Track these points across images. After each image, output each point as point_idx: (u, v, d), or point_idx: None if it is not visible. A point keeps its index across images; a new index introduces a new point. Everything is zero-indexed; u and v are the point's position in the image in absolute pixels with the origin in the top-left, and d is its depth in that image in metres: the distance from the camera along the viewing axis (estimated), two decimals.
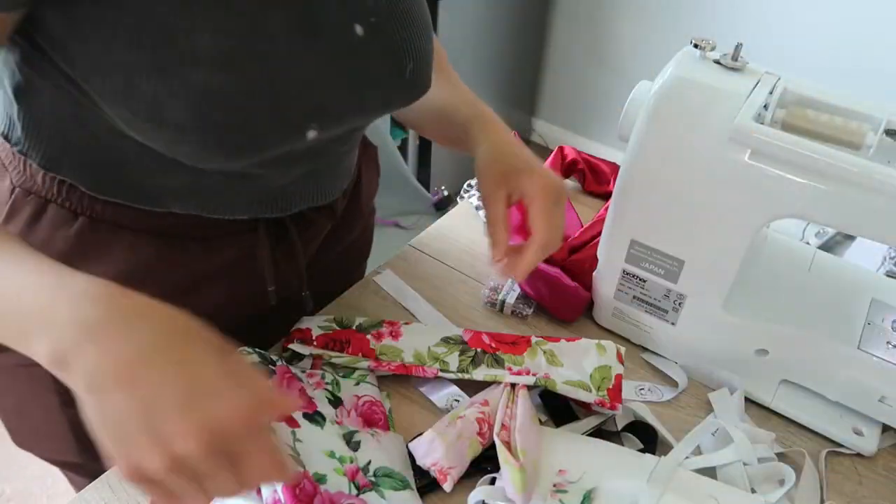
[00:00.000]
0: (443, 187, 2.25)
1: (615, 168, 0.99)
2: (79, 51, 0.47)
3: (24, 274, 0.41)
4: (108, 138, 0.54)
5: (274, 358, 0.64)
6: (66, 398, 0.66)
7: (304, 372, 0.66)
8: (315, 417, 0.60)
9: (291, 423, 0.58)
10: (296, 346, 0.68)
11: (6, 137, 0.58)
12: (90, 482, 0.73)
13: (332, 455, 0.58)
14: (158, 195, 0.59)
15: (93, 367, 0.38)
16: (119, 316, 0.39)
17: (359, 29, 0.54)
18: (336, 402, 0.64)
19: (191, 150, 0.50)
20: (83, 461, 0.71)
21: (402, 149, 2.16)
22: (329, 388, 0.65)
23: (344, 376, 0.67)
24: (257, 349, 0.63)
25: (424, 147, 2.21)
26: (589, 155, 1.01)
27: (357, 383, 0.67)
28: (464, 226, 0.91)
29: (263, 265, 0.67)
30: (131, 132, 0.50)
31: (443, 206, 2.18)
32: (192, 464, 0.37)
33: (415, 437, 0.62)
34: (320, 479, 0.55)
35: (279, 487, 0.52)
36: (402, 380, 0.70)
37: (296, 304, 0.73)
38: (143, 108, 0.47)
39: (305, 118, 0.53)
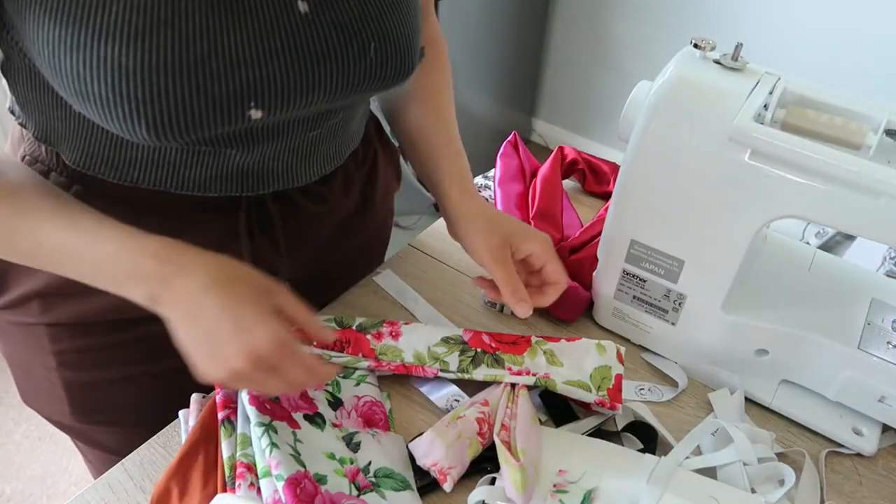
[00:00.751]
0: None
1: (615, 168, 0.99)
2: (19, 27, 0.50)
3: (108, 240, 0.53)
4: (71, 109, 0.56)
5: None
6: (62, 359, 0.67)
7: None
8: (315, 419, 0.60)
9: (293, 424, 0.58)
10: None
11: (12, 111, 0.62)
12: (86, 446, 0.74)
13: (332, 457, 0.58)
14: (125, 167, 0.60)
15: (172, 306, 0.52)
16: (184, 268, 0.52)
17: (302, 6, 0.53)
18: (336, 402, 0.64)
19: (120, 126, 0.51)
20: (75, 424, 0.73)
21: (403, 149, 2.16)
22: (329, 388, 0.65)
23: (344, 377, 0.67)
24: None
25: None
26: (589, 155, 1.01)
27: (357, 384, 0.67)
28: None
29: (242, 245, 0.67)
30: (70, 100, 0.52)
31: None
32: (245, 375, 0.51)
33: (415, 438, 0.62)
34: (321, 479, 0.55)
35: (280, 487, 0.53)
36: (402, 380, 0.70)
37: (294, 285, 0.73)
38: (68, 82, 0.49)
39: (238, 96, 0.52)
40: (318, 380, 0.56)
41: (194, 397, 0.63)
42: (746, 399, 0.70)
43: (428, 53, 0.69)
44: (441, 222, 0.92)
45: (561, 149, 1.01)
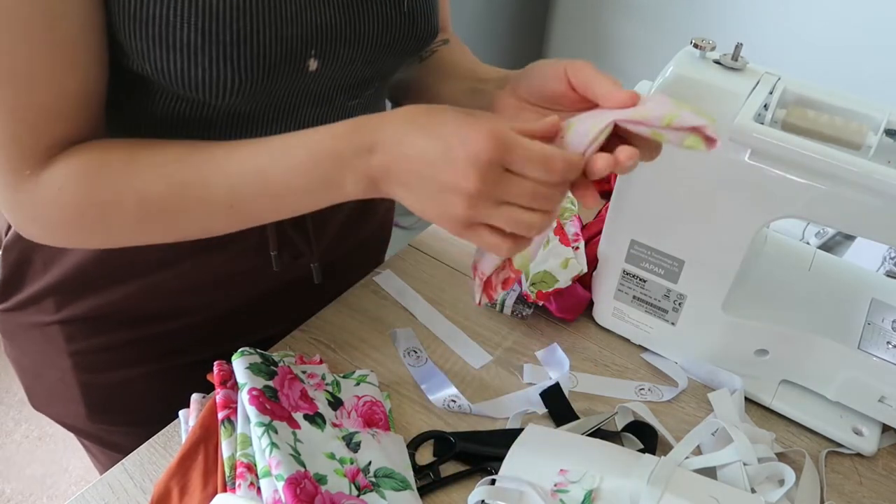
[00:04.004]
0: None
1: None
2: None
3: (299, 142, 0.50)
4: (125, 102, 0.56)
5: (276, 358, 0.64)
6: (77, 360, 0.67)
7: (305, 373, 0.66)
8: (315, 419, 0.60)
9: (293, 424, 0.58)
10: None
11: None
12: (98, 448, 0.74)
13: (332, 457, 0.58)
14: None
15: (384, 167, 0.48)
16: (379, 124, 0.48)
17: None
18: (336, 402, 0.64)
19: (203, 75, 0.51)
20: (90, 427, 0.73)
21: None
22: (329, 388, 0.65)
23: (344, 376, 0.67)
24: (258, 350, 0.63)
25: None
26: None
27: (357, 383, 0.67)
28: None
29: (268, 226, 0.67)
30: (147, 65, 0.51)
31: None
32: (482, 205, 0.45)
33: (415, 437, 0.62)
34: (321, 479, 0.55)
35: (280, 487, 0.53)
36: (402, 380, 0.70)
37: (305, 280, 0.73)
38: (156, 31, 0.49)
39: (304, 42, 0.54)
40: (561, 175, 0.46)
41: (194, 397, 0.63)
42: (746, 399, 0.70)
43: (453, 39, 0.72)
44: None
45: None
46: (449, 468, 0.62)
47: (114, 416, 0.72)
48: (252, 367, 0.61)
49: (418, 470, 0.61)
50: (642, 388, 0.72)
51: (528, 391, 0.70)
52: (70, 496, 0.60)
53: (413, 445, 0.64)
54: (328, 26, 0.55)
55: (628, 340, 0.77)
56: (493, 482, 0.60)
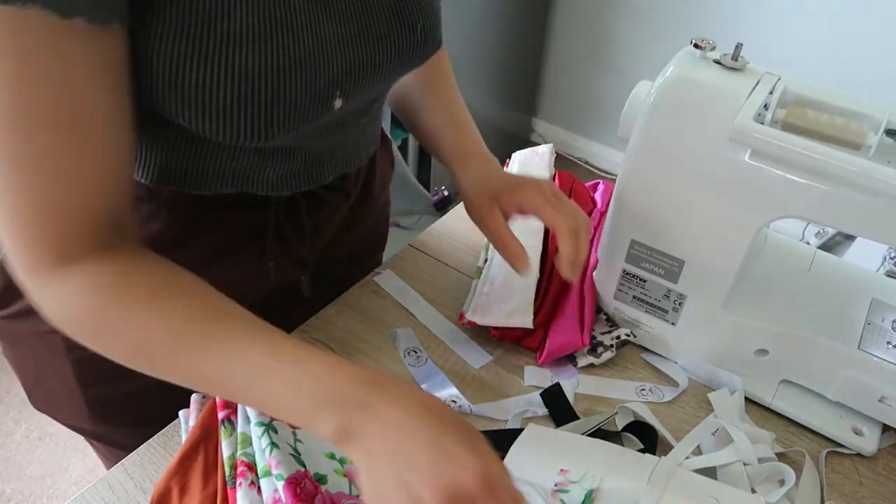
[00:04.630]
0: (443, 187, 2.25)
1: (595, 187, 0.95)
2: (133, 47, 0.48)
3: (308, 362, 0.47)
4: (148, 127, 0.56)
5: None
6: (79, 367, 0.67)
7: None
8: None
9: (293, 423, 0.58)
10: None
11: None
12: (101, 445, 0.74)
13: (332, 457, 0.58)
14: (206, 178, 0.61)
15: (370, 436, 0.45)
16: (390, 393, 0.46)
17: None
18: None
19: (233, 133, 0.51)
20: (93, 428, 0.73)
21: (402, 149, 2.16)
22: None
23: None
24: None
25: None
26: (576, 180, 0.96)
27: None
28: (464, 226, 0.91)
29: (269, 239, 0.67)
30: (180, 120, 0.51)
31: (443, 206, 2.17)
32: None
33: None
34: (321, 479, 0.55)
35: (280, 486, 0.53)
36: (401, 378, 0.70)
37: (297, 289, 0.74)
38: (190, 95, 0.49)
39: (330, 85, 0.54)
40: None
41: (194, 397, 0.63)
42: (746, 399, 0.70)
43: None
44: (441, 222, 0.92)
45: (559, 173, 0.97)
46: None
47: (117, 419, 0.72)
48: None
49: None
50: (643, 389, 0.72)
51: (528, 392, 0.70)
52: (70, 496, 0.60)
53: None
54: (352, 67, 0.56)
55: (629, 340, 0.77)
56: None
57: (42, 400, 0.74)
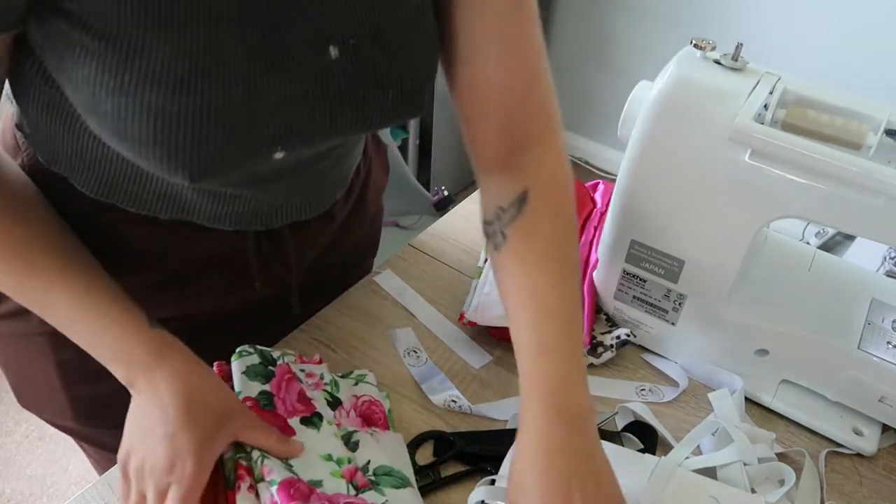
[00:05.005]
0: (443, 187, 2.24)
1: (595, 186, 0.95)
2: (54, 64, 0.49)
3: (114, 321, 0.56)
4: (92, 142, 0.56)
5: (276, 356, 0.63)
6: (64, 369, 0.67)
7: (304, 372, 0.65)
8: (312, 420, 0.60)
9: (288, 431, 0.58)
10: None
11: (19, 127, 0.61)
12: (89, 447, 0.75)
13: (329, 458, 0.57)
14: (146, 199, 0.60)
15: (141, 393, 0.56)
16: (168, 369, 0.55)
17: (333, 51, 0.52)
18: (335, 402, 0.64)
19: (154, 167, 0.50)
20: (78, 427, 0.74)
21: (402, 149, 2.16)
22: (328, 388, 0.65)
23: (342, 376, 0.67)
24: (258, 346, 0.63)
25: (424, 147, 2.21)
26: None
27: (356, 383, 0.67)
28: (464, 226, 0.91)
29: (249, 256, 0.67)
30: (101, 138, 0.51)
31: (443, 206, 2.17)
32: (135, 475, 0.55)
33: (415, 437, 0.62)
34: (316, 483, 0.55)
35: (273, 490, 0.52)
36: (402, 380, 0.70)
37: (283, 306, 0.73)
38: (107, 122, 0.48)
39: (270, 141, 0.52)
40: None
41: None
42: (746, 399, 0.70)
43: (534, 200, 0.57)
44: (441, 222, 0.92)
45: None
46: (449, 468, 0.62)
47: (101, 420, 0.72)
48: (249, 372, 0.60)
49: (418, 470, 0.61)
50: (643, 389, 0.72)
51: None
52: (70, 496, 0.60)
53: (413, 445, 0.64)
54: (299, 125, 0.53)
55: (629, 340, 0.77)
56: (493, 482, 0.59)
57: (28, 399, 0.74)
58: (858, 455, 0.67)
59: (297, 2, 0.50)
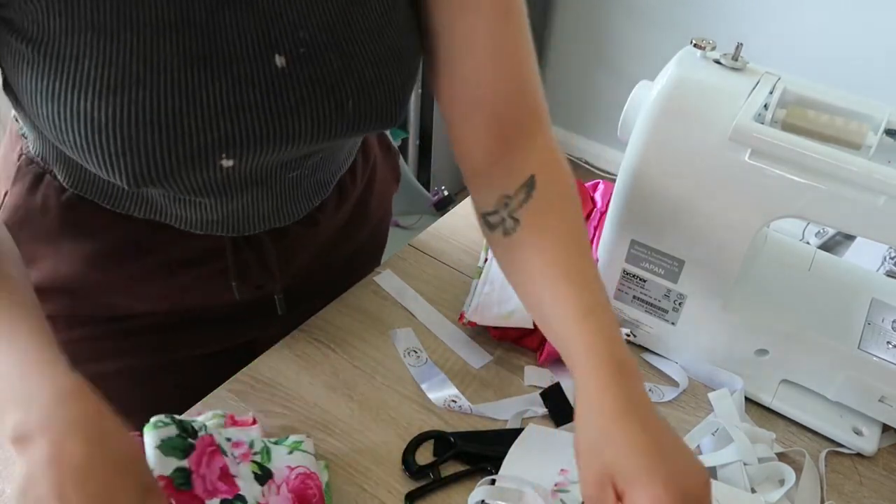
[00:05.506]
0: (443, 187, 2.25)
1: (595, 186, 0.95)
2: (8, 71, 0.50)
3: (14, 351, 0.45)
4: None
5: (197, 426, 0.54)
6: None
7: (230, 441, 0.57)
8: (234, 503, 0.53)
9: None
10: None
11: (16, 119, 0.64)
12: None
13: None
14: (116, 198, 0.61)
15: (38, 461, 0.41)
16: (76, 428, 0.42)
17: (279, 60, 0.52)
18: (265, 475, 0.57)
19: (96, 170, 0.51)
20: None
21: (402, 149, 2.16)
22: (258, 457, 0.58)
23: (276, 442, 0.60)
24: (177, 417, 0.53)
25: (424, 147, 2.21)
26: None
27: (290, 451, 0.60)
28: (464, 226, 0.91)
29: (228, 262, 0.67)
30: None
31: (443, 206, 2.17)
32: None
33: (415, 437, 0.62)
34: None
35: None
36: (402, 380, 0.70)
37: (269, 305, 0.72)
38: (47, 127, 0.49)
39: (212, 148, 0.51)
40: None
41: None
42: (746, 399, 0.70)
43: (542, 184, 0.57)
44: (441, 222, 0.92)
45: None
46: (449, 468, 0.62)
47: None
48: (164, 445, 0.51)
49: (418, 470, 0.61)
50: None
51: (529, 392, 0.70)
52: None
53: (413, 445, 0.64)
54: (243, 132, 0.52)
55: (628, 340, 0.77)
56: (493, 482, 0.60)
57: None
58: (858, 455, 0.67)
59: (239, 11, 0.50)
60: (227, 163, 0.53)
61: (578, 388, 0.51)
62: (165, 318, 0.70)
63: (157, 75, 0.48)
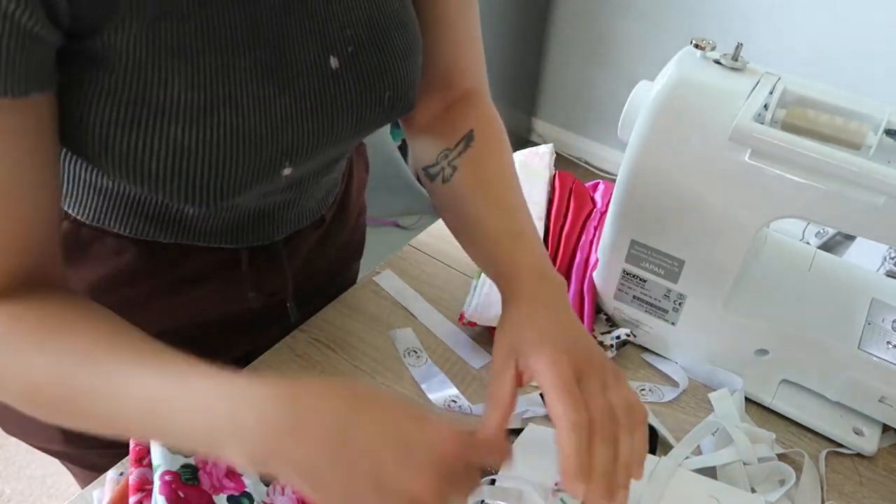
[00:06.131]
0: None
1: (595, 186, 0.95)
2: (64, 104, 0.47)
3: (193, 388, 0.43)
4: (86, 172, 0.56)
5: None
6: None
7: None
8: (241, 501, 0.55)
9: None
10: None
11: None
12: (75, 467, 0.73)
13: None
14: (139, 224, 0.60)
15: (301, 458, 0.40)
16: (302, 406, 0.41)
17: (334, 61, 0.53)
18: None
19: (167, 197, 0.50)
20: (66, 449, 0.73)
21: (402, 149, 2.16)
22: None
23: None
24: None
25: None
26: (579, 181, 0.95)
27: None
28: None
29: (243, 270, 0.67)
30: (113, 180, 0.52)
31: None
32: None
33: None
34: None
35: None
36: (402, 380, 0.70)
37: (280, 310, 0.73)
38: (121, 160, 0.48)
39: (279, 157, 0.52)
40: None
41: (109, 475, 0.59)
42: (746, 399, 0.70)
43: (479, 137, 0.63)
44: (441, 222, 0.92)
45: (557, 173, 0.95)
46: None
47: (90, 440, 0.71)
48: None
49: None
50: (643, 389, 0.72)
51: (528, 392, 0.70)
52: (70, 496, 0.60)
53: None
54: (304, 138, 0.53)
55: (628, 340, 0.77)
56: (492, 482, 0.59)
57: (12, 425, 0.73)
58: (858, 455, 0.67)
59: (302, 18, 0.50)
60: (287, 170, 0.53)
61: (503, 295, 0.55)
62: (175, 335, 0.70)
63: (238, 94, 0.48)
